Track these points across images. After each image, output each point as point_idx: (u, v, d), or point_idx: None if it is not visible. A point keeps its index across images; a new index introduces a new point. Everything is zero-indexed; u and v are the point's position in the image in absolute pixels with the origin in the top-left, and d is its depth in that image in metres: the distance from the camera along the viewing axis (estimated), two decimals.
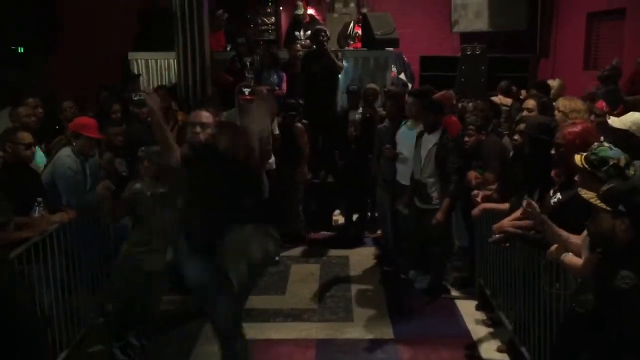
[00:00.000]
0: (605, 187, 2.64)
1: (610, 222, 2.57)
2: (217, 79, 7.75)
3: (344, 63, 8.25)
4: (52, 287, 4.15)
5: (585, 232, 2.94)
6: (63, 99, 6.45)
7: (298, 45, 8.46)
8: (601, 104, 4.66)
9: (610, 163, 2.97)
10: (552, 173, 3.67)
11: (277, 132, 6.52)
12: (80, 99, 6.68)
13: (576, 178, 3.18)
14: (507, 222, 3.97)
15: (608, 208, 2.57)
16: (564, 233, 3.14)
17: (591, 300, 2.76)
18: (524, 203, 3.35)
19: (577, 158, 3.10)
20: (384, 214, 6.36)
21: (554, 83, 7.37)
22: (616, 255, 2.60)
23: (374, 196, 6.63)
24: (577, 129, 3.46)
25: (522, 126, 4.62)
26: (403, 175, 5.72)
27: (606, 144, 3.06)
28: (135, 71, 8.69)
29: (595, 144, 3.09)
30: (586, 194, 2.69)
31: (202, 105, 5.47)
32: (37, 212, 3.92)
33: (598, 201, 2.61)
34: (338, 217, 7.64)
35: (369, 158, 6.47)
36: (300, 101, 7.33)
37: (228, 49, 9.18)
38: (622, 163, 2.97)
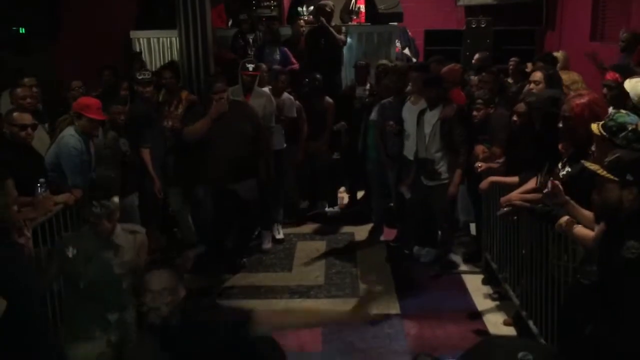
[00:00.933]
0: (610, 157, 2.61)
1: (617, 192, 2.55)
2: (217, 56, 7.68)
3: (348, 39, 8.16)
4: None
5: None
6: (63, 80, 6.41)
7: (301, 21, 8.35)
8: (614, 75, 4.50)
9: (629, 128, 2.94)
10: (560, 146, 3.62)
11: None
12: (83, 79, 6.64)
13: (593, 148, 3.13)
14: (515, 195, 3.94)
15: (615, 178, 2.55)
16: (587, 212, 3.04)
17: (596, 271, 2.75)
18: (549, 184, 3.16)
19: (594, 127, 3.06)
20: (379, 186, 6.43)
21: (558, 55, 7.26)
22: (622, 225, 2.58)
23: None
24: (584, 100, 3.42)
25: (520, 106, 4.56)
26: (409, 151, 5.68)
27: (623, 110, 3.02)
28: (138, 50, 8.62)
29: (612, 110, 3.05)
30: (591, 166, 2.67)
31: (210, 83, 5.45)
32: (40, 192, 3.91)
33: (604, 172, 2.58)
34: (344, 195, 7.63)
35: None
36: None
37: (229, 24, 9.09)
38: None
